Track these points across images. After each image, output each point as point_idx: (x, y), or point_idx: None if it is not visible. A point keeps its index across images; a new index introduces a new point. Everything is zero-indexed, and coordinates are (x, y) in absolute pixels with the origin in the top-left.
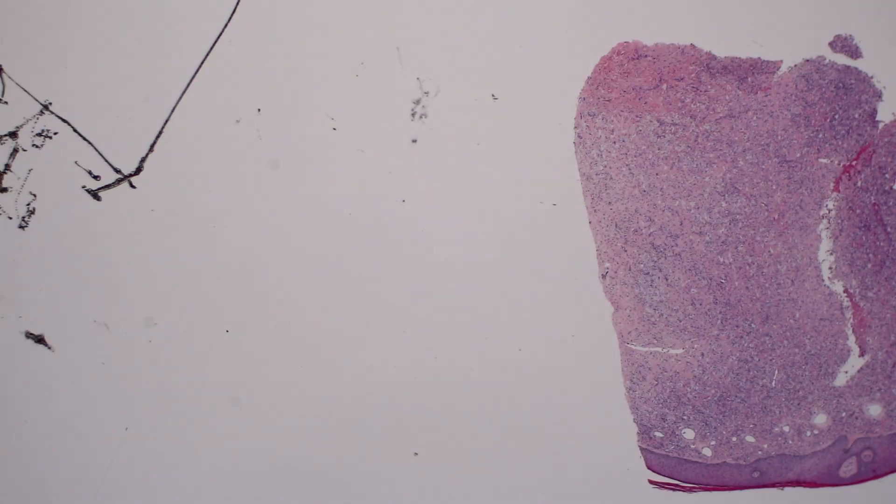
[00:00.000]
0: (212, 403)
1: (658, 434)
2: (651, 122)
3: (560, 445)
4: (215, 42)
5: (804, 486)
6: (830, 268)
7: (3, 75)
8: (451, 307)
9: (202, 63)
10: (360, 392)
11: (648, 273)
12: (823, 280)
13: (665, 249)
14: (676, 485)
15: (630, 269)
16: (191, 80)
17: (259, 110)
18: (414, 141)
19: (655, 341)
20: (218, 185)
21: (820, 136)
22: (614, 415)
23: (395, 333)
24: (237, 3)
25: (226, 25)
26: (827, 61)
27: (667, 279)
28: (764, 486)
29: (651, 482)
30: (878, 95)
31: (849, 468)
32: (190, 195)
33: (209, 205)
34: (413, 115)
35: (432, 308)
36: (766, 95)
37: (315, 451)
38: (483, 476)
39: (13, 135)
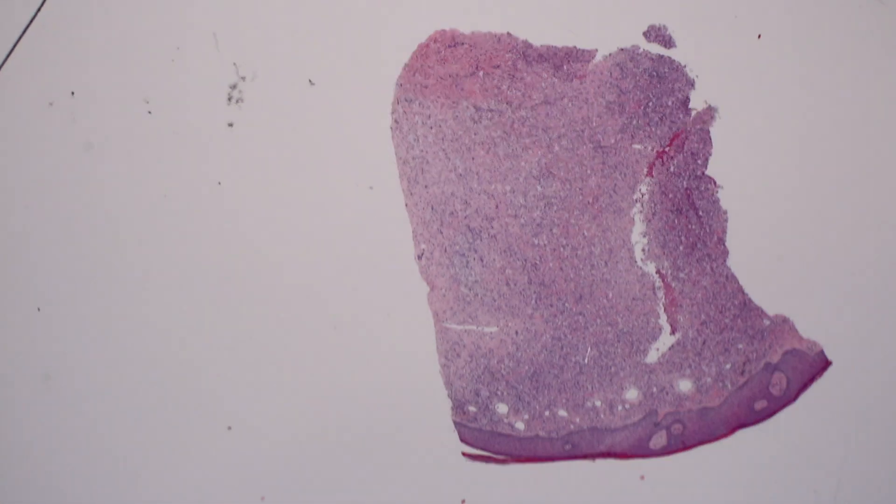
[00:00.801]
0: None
1: (472, 408)
2: (467, 108)
3: (374, 420)
4: (28, 24)
5: (615, 458)
6: (643, 250)
7: None
8: (265, 287)
9: (15, 45)
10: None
11: (464, 254)
12: (636, 261)
13: (480, 232)
14: (489, 457)
15: (446, 251)
16: (3, 62)
17: (73, 93)
18: (230, 125)
19: (470, 320)
20: (30, 167)
21: (634, 122)
22: (429, 391)
23: (199, 314)
24: None
25: (39, 8)
26: (641, 50)
27: (482, 260)
28: (575, 457)
29: (465, 455)
30: (691, 84)
31: (659, 440)
32: (2, 179)
33: (21, 188)
34: (230, 99)
35: (244, 288)
36: (582, 83)
37: None
38: (290, 446)
39: None
